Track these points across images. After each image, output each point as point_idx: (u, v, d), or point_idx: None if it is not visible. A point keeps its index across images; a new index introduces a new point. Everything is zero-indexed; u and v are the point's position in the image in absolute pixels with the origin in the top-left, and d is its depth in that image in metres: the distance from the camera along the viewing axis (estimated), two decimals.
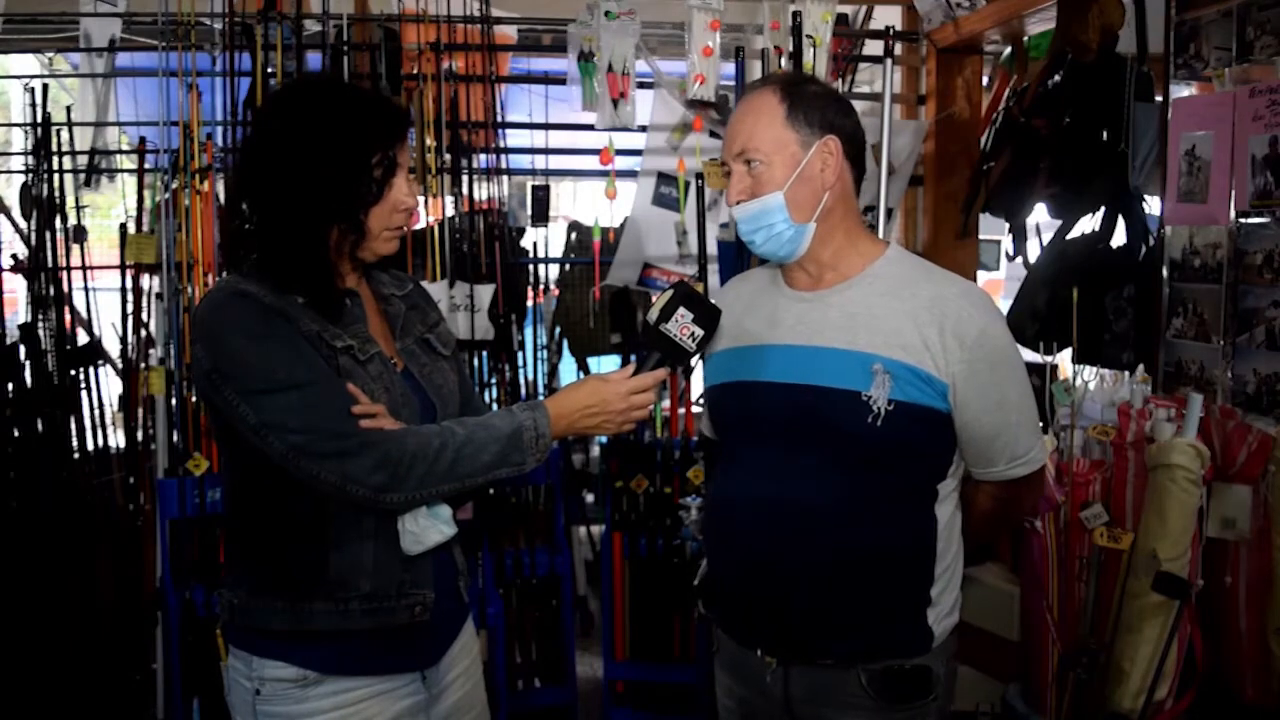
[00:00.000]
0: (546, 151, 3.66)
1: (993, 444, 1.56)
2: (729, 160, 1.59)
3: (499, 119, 3.32)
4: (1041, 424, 2.16)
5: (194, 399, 2.88)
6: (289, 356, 1.40)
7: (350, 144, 1.44)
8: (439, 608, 1.56)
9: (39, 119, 3.20)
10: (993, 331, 1.53)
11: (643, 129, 3.37)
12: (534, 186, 3.51)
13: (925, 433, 1.52)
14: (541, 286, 3.71)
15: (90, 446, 3.19)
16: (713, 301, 1.60)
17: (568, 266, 4.11)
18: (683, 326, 1.56)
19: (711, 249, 3.02)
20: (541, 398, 2.01)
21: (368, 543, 1.48)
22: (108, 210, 4.56)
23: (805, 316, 1.59)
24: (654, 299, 1.77)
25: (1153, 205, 2.77)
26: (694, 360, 1.66)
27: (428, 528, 1.50)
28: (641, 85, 3.20)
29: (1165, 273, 2.55)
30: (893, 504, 1.55)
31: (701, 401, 1.81)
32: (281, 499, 1.47)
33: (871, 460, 1.52)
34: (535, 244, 3.66)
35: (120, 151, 3.89)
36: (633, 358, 1.60)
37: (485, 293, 3.09)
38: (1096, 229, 2.87)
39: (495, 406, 3.19)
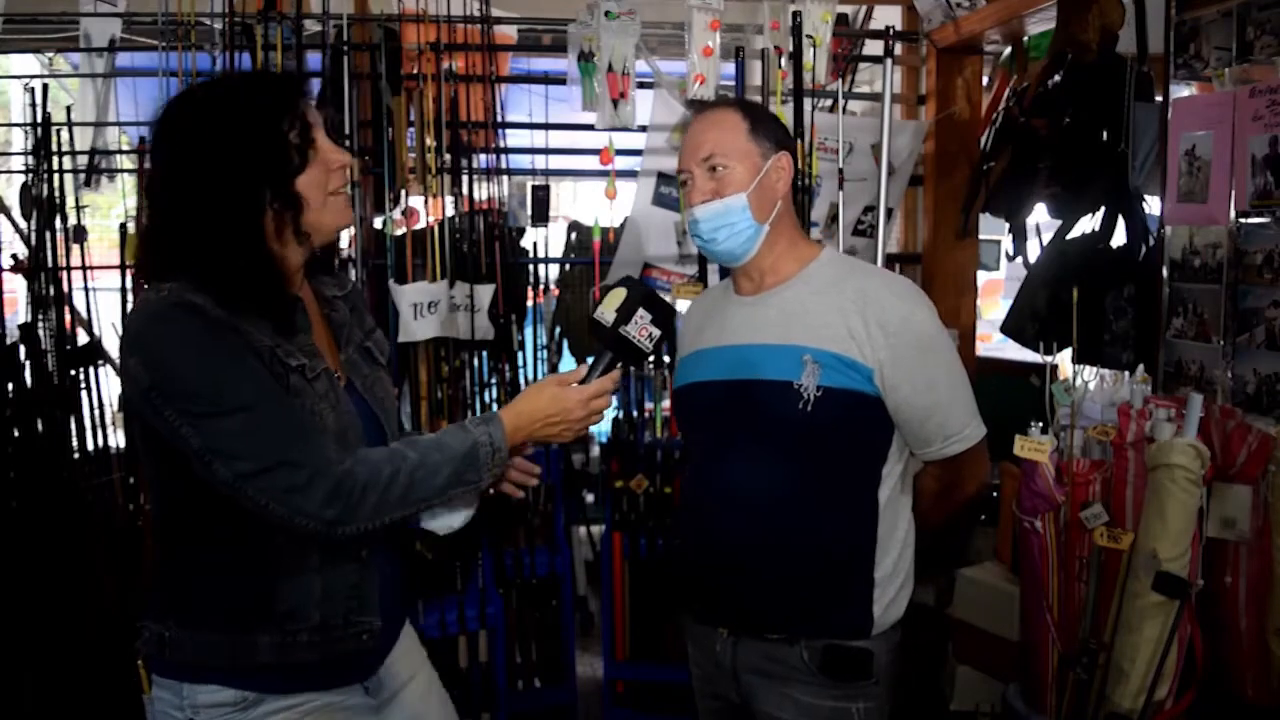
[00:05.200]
0: (546, 151, 3.65)
1: (926, 424, 1.67)
2: (692, 167, 1.71)
3: (499, 119, 3.32)
4: (1041, 424, 2.17)
5: None
6: (236, 376, 1.31)
7: (256, 115, 1.36)
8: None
9: (39, 119, 3.19)
10: (917, 317, 1.66)
11: (643, 129, 3.37)
12: (534, 186, 3.50)
13: (855, 415, 1.64)
14: (541, 286, 3.69)
15: (90, 447, 3.18)
16: (666, 299, 1.61)
17: (568, 266, 4.11)
18: (641, 328, 1.56)
19: None
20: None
21: (314, 573, 1.43)
22: (108, 210, 4.55)
23: (748, 318, 1.74)
24: (599, 297, 1.74)
25: (1153, 205, 2.77)
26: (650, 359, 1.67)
27: (455, 514, 1.54)
28: (641, 85, 3.20)
29: (1165, 273, 2.55)
30: (832, 489, 1.66)
31: None
32: (225, 525, 1.38)
33: (807, 445, 1.64)
34: (535, 244, 3.65)
35: (120, 151, 3.88)
36: (588, 360, 1.58)
37: (485, 293, 3.09)
38: (1096, 229, 2.87)
39: (495, 407, 3.19)
